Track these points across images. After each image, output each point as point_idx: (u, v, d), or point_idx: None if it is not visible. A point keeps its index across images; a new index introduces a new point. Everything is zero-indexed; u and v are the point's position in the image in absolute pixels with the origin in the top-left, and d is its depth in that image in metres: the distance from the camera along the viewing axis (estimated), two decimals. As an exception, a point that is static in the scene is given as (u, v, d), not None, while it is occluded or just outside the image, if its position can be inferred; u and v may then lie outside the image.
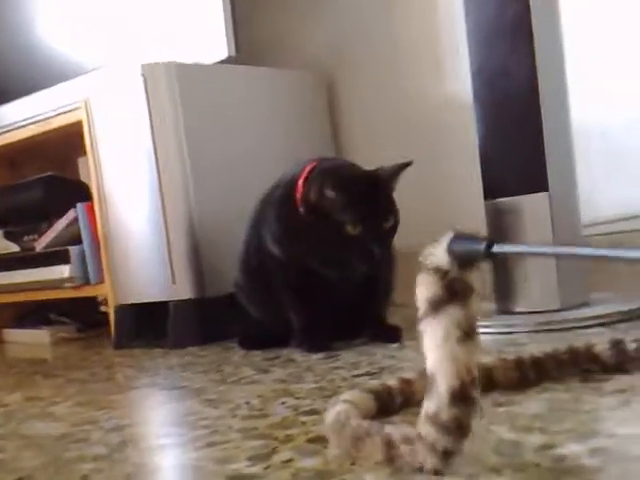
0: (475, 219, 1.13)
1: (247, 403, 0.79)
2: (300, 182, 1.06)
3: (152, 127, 1.40)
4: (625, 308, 1.00)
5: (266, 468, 0.55)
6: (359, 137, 1.72)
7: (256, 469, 0.55)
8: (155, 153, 1.40)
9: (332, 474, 0.52)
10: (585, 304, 1.07)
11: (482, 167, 1.14)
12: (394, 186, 1.06)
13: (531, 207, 1.08)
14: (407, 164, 1.06)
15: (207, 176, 1.44)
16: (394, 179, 1.06)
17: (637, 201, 1.19)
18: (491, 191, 1.13)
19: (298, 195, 1.06)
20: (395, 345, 1.04)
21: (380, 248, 1.00)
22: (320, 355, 1.05)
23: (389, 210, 1.04)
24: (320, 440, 0.59)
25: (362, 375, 0.86)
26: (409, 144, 1.62)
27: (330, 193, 1.02)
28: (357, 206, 1.01)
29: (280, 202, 1.11)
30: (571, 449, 0.49)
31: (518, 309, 1.09)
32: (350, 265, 1.04)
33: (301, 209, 1.05)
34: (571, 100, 1.11)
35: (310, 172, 1.07)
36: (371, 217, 1.02)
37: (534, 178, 1.07)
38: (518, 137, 1.08)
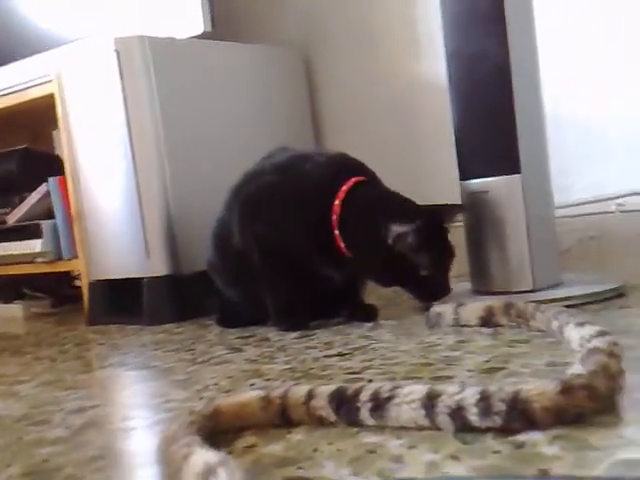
0: (451, 200, 1.12)
1: (216, 384, 0.78)
2: (337, 203, 1.05)
3: (125, 102, 1.37)
4: (597, 289, 1.01)
5: (228, 454, 0.54)
6: (337, 114, 1.70)
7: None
8: (129, 128, 1.38)
9: (293, 460, 0.51)
10: (558, 285, 1.08)
11: (457, 149, 1.14)
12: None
13: (504, 189, 1.08)
14: (459, 208, 1.11)
15: (182, 152, 1.42)
16: (451, 220, 1.10)
17: (609, 184, 1.19)
18: (466, 173, 1.13)
19: (334, 217, 1.05)
20: (370, 324, 1.05)
21: (448, 283, 1.05)
22: (295, 334, 1.04)
23: (453, 252, 1.07)
24: (285, 425, 0.59)
25: (334, 356, 0.86)
26: (386, 124, 1.60)
27: (412, 239, 1.01)
28: (433, 251, 1.03)
29: (300, 208, 1.08)
30: (529, 436, 0.49)
31: (493, 289, 1.10)
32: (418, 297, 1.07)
33: (336, 231, 1.05)
34: (544, 84, 1.11)
35: (349, 192, 1.05)
36: (442, 261, 1.05)
37: (507, 160, 1.07)
38: (491, 120, 1.08)
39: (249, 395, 0.62)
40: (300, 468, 0.50)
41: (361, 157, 1.12)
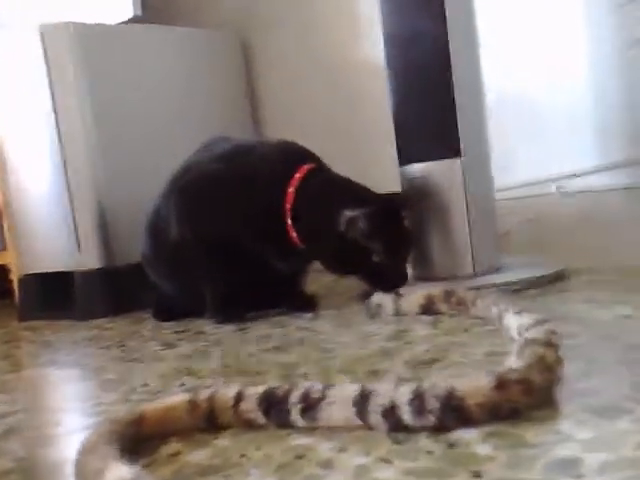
0: (392, 185, 1.10)
1: (145, 385, 0.75)
2: (291, 191, 1.02)
3: (52, 90, 1.31)
4: (537, 274, 1.00)
5: (148, 465, 0.51)
6: (276, 99, 1.66)
7: (139, 464, 0.51)
8: (56, 117, 1.31)
9: (218, 468, 0.48)
10: (498, 269, 1.07)
11: (396, 133, 1.11)
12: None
13: (444, 173, 1.06)
14: (418, 195, 1.07)
15: (114, 140, 1.36)
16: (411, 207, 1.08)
17: (549, 166, 1.18)
18: (405, 157, 1.11)
19: (287, 205, 1.02)
20: (310, 315, 1.02)
21: (404, 272, 1.03)
22: (232, 327, 1.01)
23: (410, 240, 1.06)
24: (212, 430, 0.56)
25: (270, 350, 0.83)
26: (326, 108, 1.57)
27: (363, 224, 0.98)
28: (387, 238, 1.00)
29: (249, 198, 1.04)
30: (463, 434, 0.47)
31: (434, 275, 1.08)
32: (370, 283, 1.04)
33: (289, 220, 1.02)
34: (484, 65, 1.09)
35: (303, 180, 1.02)
36: (397, 248, 1.02)
37: (447, 144, 1.05)
38: (430, 103, 1.06)
39: (175, 399, 0.58)
40: (226, 477, 0.47)
41: (300, 142, 1.09)
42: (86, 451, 0.49)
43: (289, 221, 1.02)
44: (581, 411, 0.49)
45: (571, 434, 0.45)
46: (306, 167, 1.04)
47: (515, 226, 1.18)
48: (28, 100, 1.36)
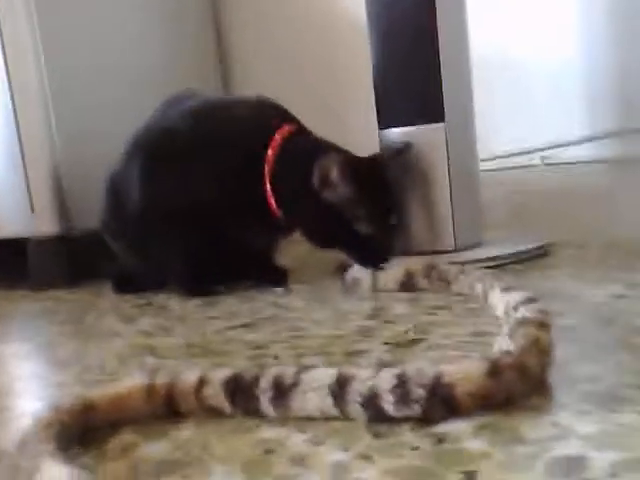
0: (370, 149, 1.04)
1: (101, 365, 0.68)
2: (271, 153, 0.94)
3: (3, 44, 1.21)
4: (521, 248, 0.95)
5: (97, 458, 0.45)
6: (246, 56, 1.58)
7: (86, 458, 0.46)
8: (7, 74, 1.22)
9: (177, 465, 0.43)
10: (480, 244, 1.02)
11: (376, 95, 1.05)
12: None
13: (426, 139, 1.00)
14: (406, 148, 0.99)
15: (70, 93, 1.25)
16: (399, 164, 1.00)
17: (536, 135, 1.13)
18: (385, 120, 1.05)
19: (267, 169, 0.94)
20: (281, 290, 0.96)
21: (391, 246, 0.93)
22: (198, 301, 0.95)
23: (397, 207, 0.96)
24: (172, 419, 0.50)
25: (238, 327, 0.78)
26: (302, 66, 1.50)
27: (345, 188, 0.90)
28: (369, 203, 0.91)
29: (223, 160, 0.96)
30: (452, 426, 0.42)
31: (413, 249, 1.03)
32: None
33: (268, 186, 0.94)
34: (472, 28, 1.03)
35: (285, 142, 0.94)
36: (383, 215, 0.93)
37: (430, 108, 0.99)
38: (413, 64, 1.00)
39: (130, 384, 0.52)
40: (185, 477, 0.41)
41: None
42: (20, 446, 0.43)
43: (268, 187, 0.95)
44: (580, 401, 0.44)
45: (572, 428, 0.40)
46: (287, 128, 0.96)
47: (499, 198, 1.13)
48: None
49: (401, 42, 1.00)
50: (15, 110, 1.23)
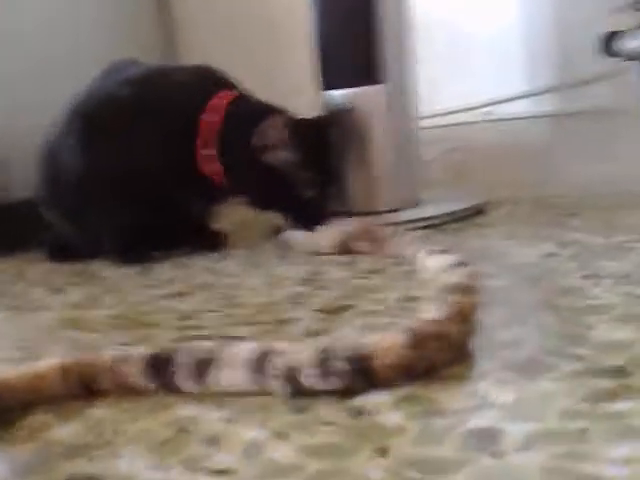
0: (313, 111, 1.01)
1: (22, 340, 0.66)
2: (205, 118, 0.92)
3: None
4: (456, 207, 0.95)
5: (4, 441, 0.43)
6: (189, 20, 1.52)
7: (-6, 442, 0.43)
8: None
9: (86, 448, 0.41)
10: (418, 203, 1.02)
11: (318, 56, 1.02)
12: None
13: (367, 99, 0.98)
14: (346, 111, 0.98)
15: (7, 65, 1.20)
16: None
17: (477, 92, 1.12)
18: (327, 82, 1.03)
19: (203, 132, 0.92)
20: (217, 255, 0.94)
21: (327, 207, 0.95)
22: (132, 269, 0.92)
23: (339, 173, 0.97)
24: (89, 398, 0.48)
25: (170, 296, 0.75)
26: (243, 29, 1.45)
27: (286, 151, 0.89)
28: (315, 168, 0.92)
29: (164, 126, 0.94)
30: (370, 398, 0.41)
31: (351, 210, 1.02)
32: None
33: (204, 152, 0.93)
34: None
35: (227, 107, 0.92)
36: (324, 178, 0.94)
37: (369, 69, 0.97)
38: (353, 25, 0.98)
39: (44, 363, 0.50)
40: (91, 460, 0.40)
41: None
42: None
43: (205, 152, 0.93)
44: (500, 368, 0.43)
45: (489, 398, 0.40)
46: (229, 93, 0.95)
47: (439, 156, 1.12)
48: None
49: (342, 3, 0.97)
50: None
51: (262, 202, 0.96)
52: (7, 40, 1.22)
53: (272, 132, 0.89)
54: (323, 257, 0.84)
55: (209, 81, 0.98)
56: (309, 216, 0.92)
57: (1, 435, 0.44)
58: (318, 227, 0.89)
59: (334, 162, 0.96)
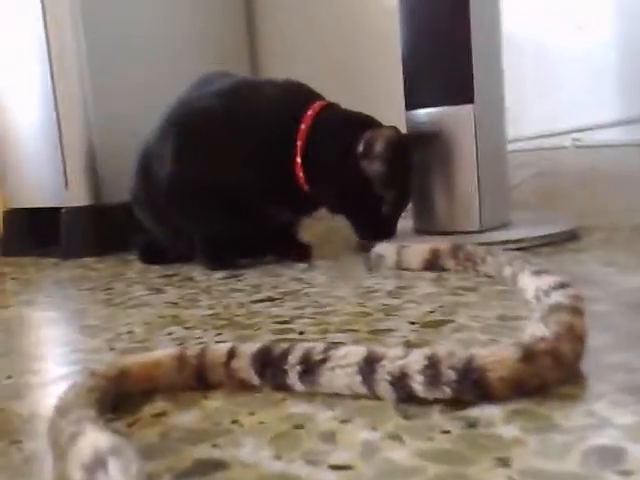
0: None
1: (129, 332, 0.69)
2: (303, 128, 0.95)
3: (45, 23, 1.24)
4: (550, 231, 0.94)
5: (130, 425, 0.46)
6: (276, 36, 1.56)
7: (119, 424, 0.46)
8: (48, 51, 1.24)
9: (207, 435, 0.43)
10: (507, 225, 1.01)
11: (404, 75, 1.04)
12: None
13: (454, 120, 0.99)
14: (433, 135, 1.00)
15: (108, 76, 1.28)
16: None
17: (567, 117, 1.11)
18: (413, 101, 1.04)
19: (299, 143, 0.95)
20: (304, 265, 0.96)
21: (396, 226, 0.98)
22: (222, 274, 0.95)
23: (411, 194, 1.02)
24: (202, 388, 0.50)
25: (262, 301, 0.78)
26: (330, 47, 1.48)
27: (383, 163, 0.93)
28: (400, 187, 0.96)
29: (253, 136, 0.97)
30: (483, 411, 0.42)
31: (437, 229, 1.03)
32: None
33: (299, 159, 0.95)
34: (504, 11, 1.01)
35: (316, 117, 0.95)
36: (402, 197, 0.98)
37: (459, 89, 0.97)
38: (444, 44, 0.98)
39: (162, 353, 0.52)
40: (215, 446, 0.42)
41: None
42: (61, 410, 0.44)
43: (299, 160, 0.95)
44: (615, 391, 0.43)
45: (608, 418, 0.40)
46: (319, 103, 0.97)
47: (527, 180, 1.12)
48: (20, 34, 1.28)
49: (432, 22, 0.99)
50: (55, 91, 1.26)
51: (341, 207, 0.98)
52: (110, 55, 1.28)
53: (378, 142, 0.92)
54: (411, 272, 0.84)
55: (302, 93, 1.00)
56: (379, 230, 0.96)
57: (126, 419, 0.46)
58: (379, 240, 0.92)
59: (411, 182, 0.99)
